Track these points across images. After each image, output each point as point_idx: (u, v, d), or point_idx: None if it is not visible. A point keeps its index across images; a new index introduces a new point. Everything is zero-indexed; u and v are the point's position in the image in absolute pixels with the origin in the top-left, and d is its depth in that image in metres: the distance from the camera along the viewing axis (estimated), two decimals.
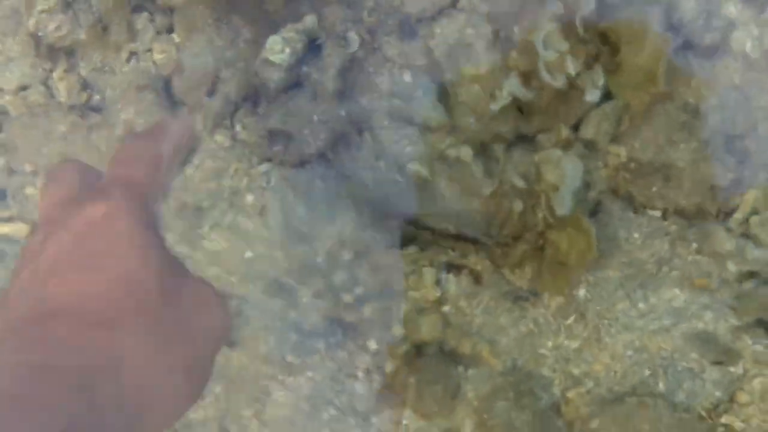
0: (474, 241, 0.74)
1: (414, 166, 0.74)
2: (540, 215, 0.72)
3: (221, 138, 0.78)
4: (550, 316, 0.75)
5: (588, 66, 0.71)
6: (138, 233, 0.41)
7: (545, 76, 0.71)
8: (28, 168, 0.80)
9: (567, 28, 0.71)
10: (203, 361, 0.42)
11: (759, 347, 0.74)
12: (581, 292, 0.75)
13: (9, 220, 0.81)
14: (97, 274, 0.41)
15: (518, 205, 0.72)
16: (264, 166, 0.77)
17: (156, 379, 0.40)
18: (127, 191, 0.44)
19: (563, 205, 0.72)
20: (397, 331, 0.76)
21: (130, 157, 0.48)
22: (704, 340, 0.74)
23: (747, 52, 0.71)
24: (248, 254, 0.77)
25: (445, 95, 0.74)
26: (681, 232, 0.74)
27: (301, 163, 0.76)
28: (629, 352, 0.75)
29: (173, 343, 0.41)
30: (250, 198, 0.77)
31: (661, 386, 0.74)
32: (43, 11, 0.76)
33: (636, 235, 0.74)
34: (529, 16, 0.72)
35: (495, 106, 0.72)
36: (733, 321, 0.74)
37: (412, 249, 0.76)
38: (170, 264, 0.42)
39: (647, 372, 0.75)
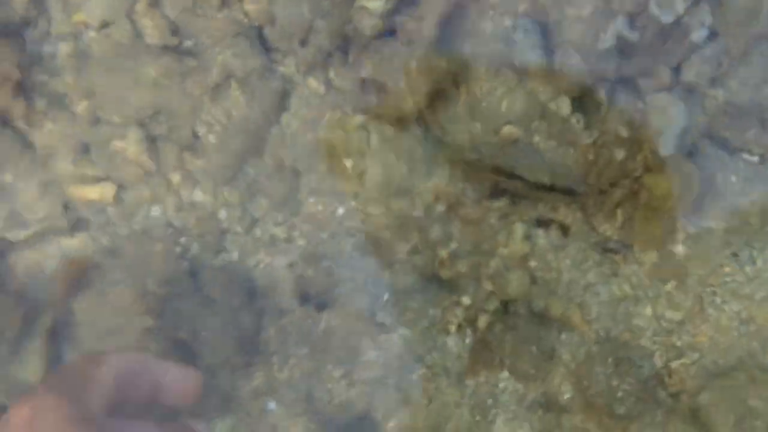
0: (567, 192, 0.72)
1: (508, 129, 0.73)
2: (639, 159, 0.71)
3: (315, 84, 0.76)
4: (644, 275, 0.74)
5: (695, 3, 0.71)
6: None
7: (655, 11, 0.70)
8: (115, 119, 0.77)
9: None
10: None
11: None
12: (679, 247, 0.73)
13: (95, 181, 0.77)
14: None
15: (620, 153, 0.71)
16: (359, 118, 0.75)
17: None
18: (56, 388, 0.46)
19: (667, 148, 0.71)
20: (488, 287, 0.74)
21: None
22: None
23: None
24: (341, 211, 0.76)
25: (547, 40, 0.73)
26: None
27: (398, 120, 0.75)
28: (735, 323, 0.73)
29: None
30: (348, 162, 0.75)
31: None
32: None
33: (734, 180, 0.73)
34: None
35: (600, 46, 0.71)
36: None
37: (503, 202, 0.74)
38: None
39: (756, 345, 0.73)
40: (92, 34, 0.76)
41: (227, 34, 0.75)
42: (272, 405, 0.77)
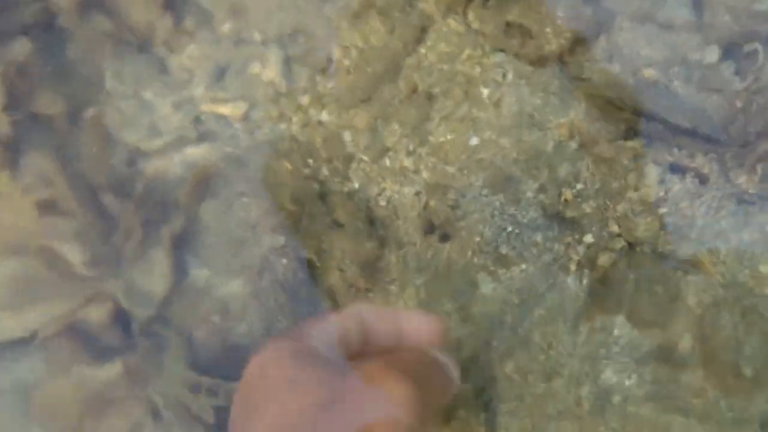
0: (707, 139, 0.72)
1: (648, 71, 0.73)
2: None
3: (454, 23, 0.77)
4: None
5: None
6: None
7: None
8: (257, 36, 0.78)
9: None
10: None
11: None
12: None
13: (227, 101, 0.80)
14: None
15: None
16: (498, 56, 0.76)
17: None
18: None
19: None
20: (614, 228, 0.74)
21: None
22: None
23: None
24: (474, 141, 0.76)
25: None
26: None
27: (537, 61, 0.75)
28: None
29: None
30: (485, 91, 0.76)
31: None
32: None
33: None
34: None
35: (757, 7, 0.71)
36: None
37: (638, 143, 0.74)
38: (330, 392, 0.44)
39: None
40: None
41: None
42: None
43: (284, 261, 0.75)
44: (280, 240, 0.76)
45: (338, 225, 0.76)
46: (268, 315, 0.75)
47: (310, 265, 0.76)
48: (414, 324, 0.52)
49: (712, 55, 0.71)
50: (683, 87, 0.72)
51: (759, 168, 0.72)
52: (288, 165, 0.77)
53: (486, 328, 0.75)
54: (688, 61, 0.72)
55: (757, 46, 0.71)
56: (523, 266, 0.74)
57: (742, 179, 0.72)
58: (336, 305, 0.76)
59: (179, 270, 0.77)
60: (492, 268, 0.75)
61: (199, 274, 0.77)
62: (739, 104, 0.70)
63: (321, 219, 0.76)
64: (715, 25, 0.71)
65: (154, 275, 0.76)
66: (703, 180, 0.73)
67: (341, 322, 0.50)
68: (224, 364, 0.75)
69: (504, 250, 0.75)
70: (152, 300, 0.76)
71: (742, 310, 0.71)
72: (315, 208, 0.76)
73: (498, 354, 0.74)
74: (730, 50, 0.72)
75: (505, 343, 0.74)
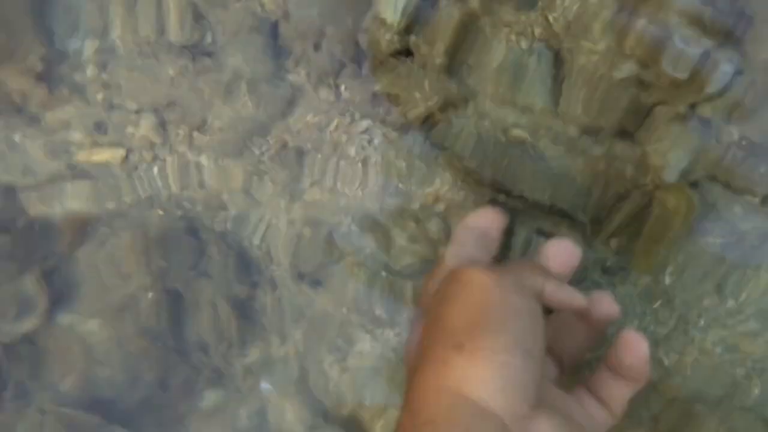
0: (566, 216, 0.73)
1: (517, 131, 0.73)
2: (649, 178, 0.72)
3: (324, 94, 0.78)
4: (636, 297, 0.73)
5: (716, 52, 0.70)
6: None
7: (669, 70, 0.70)
8: (130, 105, 0.80)
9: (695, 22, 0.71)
10: None
11: None
12: (667, 275, 0.73)
13: (104, 146, 0.81)
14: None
15: (630, 168, 0.72)
16: (365, 123, 0.77)
17: None
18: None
19: (672, 174, 0.71)
20: None
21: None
22: None
23: None
24: (341, 202, 0.78)
25: (557, 66, 0.74)
26: None
27: (404, 128, 0.76)
28: (719, 350, 0.72)
29: None
30: (352, 150, 0.77)
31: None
32: None
33: (732, 214, 0.72)
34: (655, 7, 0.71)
35: (616, 75, 0.72)
36: None
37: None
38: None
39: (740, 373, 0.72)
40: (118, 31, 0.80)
41: (244, 29, 0.77)
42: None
43: (151, 307, 0.77)
44: (149, 284, 0.76)
45: (209, 270, 0.77)
46: (132, 362, 0.78)
47: (178, 305, 0.78)
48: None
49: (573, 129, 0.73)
50: (551, 148, 0.73)
51: (617, 239, 0.73)
52: (160, 211, 0.79)
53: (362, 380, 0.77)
54: (554, 126, 0.73)
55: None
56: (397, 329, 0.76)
57: (603, 248, 0.73)
58: (205, 349, 0.78)
59: (55, 307, 0.79)
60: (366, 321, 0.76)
61: (65, 315, 0.81)
62: (601, 167, 0.72)
63: (190, 259, 0.77)
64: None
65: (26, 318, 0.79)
66: None
67: None
68: (88, 403, 0.79)
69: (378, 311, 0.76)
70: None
71: None
72: (185, 248, 0.77)
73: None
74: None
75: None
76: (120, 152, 0.80)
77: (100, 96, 0.80)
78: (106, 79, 0.80)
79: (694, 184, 0.72)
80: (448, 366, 0.48)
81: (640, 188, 0.73)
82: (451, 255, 0.65)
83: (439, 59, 0.73)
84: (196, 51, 0.79)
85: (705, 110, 0.72)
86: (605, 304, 0.60)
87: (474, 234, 0.66)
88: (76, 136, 0.80)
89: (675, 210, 0.72)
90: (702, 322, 0.73)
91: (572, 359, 0.64)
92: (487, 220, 0.68)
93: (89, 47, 0.80)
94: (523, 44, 0.73)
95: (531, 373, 0.49)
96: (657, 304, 0.74)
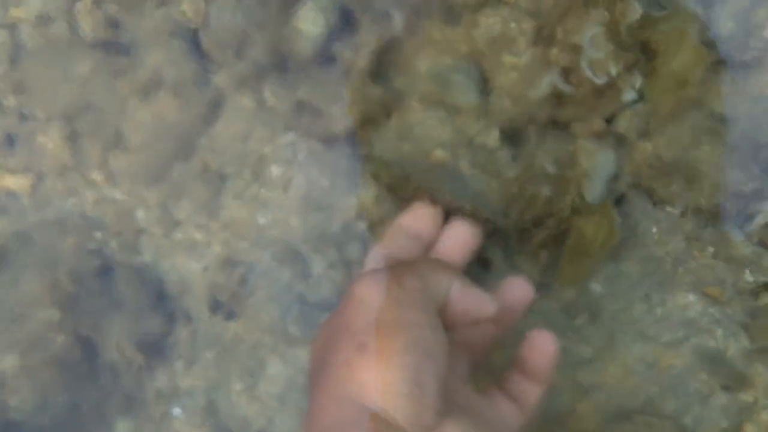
0: (488, 223, 0.72)
1: (438, 152, 0.73)
2: (568, 200, 0.72)
3: (247, 101, 0.76)
4: (559, 311, 0.73)
5: (627, 68, 0.72)
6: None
7: (588, 73, 0.72)
8: (41, 114, 0.76)
9: (610, 32, 0.73)
10: None
11: None
12: (596, 286, 0.73)
13: (14, 171, 0.77)
14: None
15: (546, 190, 0.72)
16: (289, 136, 0.75)
17: None
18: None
19: (594, 192, 0.72)
20: None
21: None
22: (714, 361, 0.72)
23: None
24: (262, 220, 0.75)
25: (482, 82, 0.74)
26: (697, 233, 0.73)
27: (327, 140, 0.75)
28: (640, 366, 0.73)
29: None
30: (275, 169, 0.75)
31: (670, 406, 0.72)
32: None
33: (654, 230, 0.73)
34: (575, 19, 0.73)
35: (533, 93, 0.72)
36: (746, 343, 0.72)
37: None
38: None
39: (657, 389, 0.72)
40: (27, 28, 0.76)
41: (164, 33, 0.75)
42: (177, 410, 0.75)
43: (60, 338, 0.73)
44: (57, 316, 0.73)
45: (120, 301, 0.74)
46: (42, 391, 0.72)
47: (87, 342, 0.73)
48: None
49: (493, 139, 0.72)
50: (469, 169, 0.72)
51: (542, 255, 0.73)
52: (72, 240, 0.75)
53: (274, 407, 0.74)
54: (473, 143, 0.73)
55: (533, 133, 0.73)
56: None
57: (525, 266, 0.73)
58: (117, 379, 0.73)
59: None
60: (279, 349, 0.73)
61: None
62: (515, 190, 0.71)
63: (101, 295, 0.74)
64: (498, 109, 0.72)
65: None
66: (485, 264, 0.73)
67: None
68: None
69: (292, 329, 0.74)
70: None
71: None
72: (95, 285, 0.74)
73: None
74: (510, 137, 0.73)
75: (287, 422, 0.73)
76: (30, 179, 0.77)
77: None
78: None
79: (617, 202, 0.74)
80: (351, 368, 0.45)
81: (556, 214, 0.73)
82: (371, 256, 0.63)
83: (363, 63, 0.73)
84: (112, 49, 0.76)
85: (620, 126, 0.73)
86: (518, 288, 0.59)
87: (404, 235, 0.64)
88: None
89: (592, 239, 0.72)
90: (628, 337, 0.73)
91: (483, 353, 0.62)
92: (421, 221, 0.66)
93: None
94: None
95: (434, 375, 0.46)
96: (581, 320, 0.74)
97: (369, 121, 0.74)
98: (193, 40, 0.76)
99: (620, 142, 0.75)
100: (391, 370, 0.44)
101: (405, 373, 0.45)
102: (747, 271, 0.73)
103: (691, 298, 0.73)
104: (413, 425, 0.44)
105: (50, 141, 0.75)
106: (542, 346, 0.58)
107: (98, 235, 0.76)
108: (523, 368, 0.58)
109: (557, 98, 0.73)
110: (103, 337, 0.74)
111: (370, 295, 0.49)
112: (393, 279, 0.50)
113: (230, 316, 0.75)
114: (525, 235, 0.72)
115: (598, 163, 0.73)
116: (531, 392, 0.58)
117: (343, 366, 0.46)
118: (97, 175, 0.76)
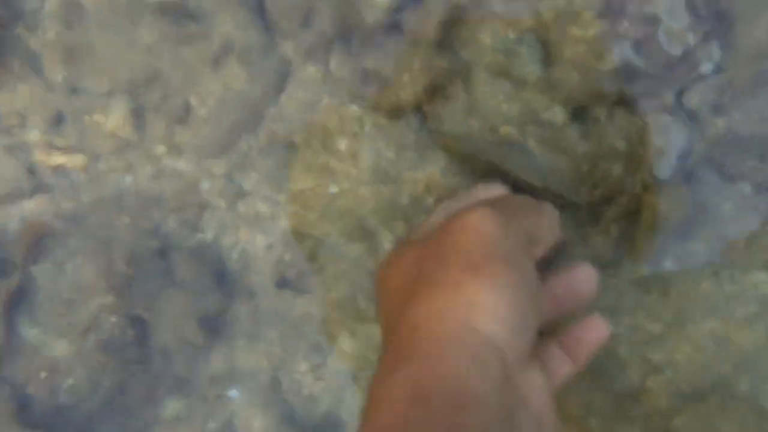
0: (560, 198, 0.71)
1: (506, 129, 0.72)
2: (639, 177, 0.70)
3: (314, 70, 0.75)
4: (631, 287, 0.72)
5: (705, 39, 0.71)
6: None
7: (665, 45, 0.70)
8: (97, 87, 0.74)
9: (687, 2, 0.71)
10: None
11: None
12: (666, 262, 0.72)
13: (66, 150, 0.75)
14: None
15: (617, 168, 0.70)
16: (356, 107, 0.74)
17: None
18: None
19: (665, 169, 0.71)
20: None
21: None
22: None
23: None
24: (333, 189, 0.74)
25: (548, 55, 0.73)
26: None
27: (395, 112, 0.74)
28: (711, 344, 0.71)
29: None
30: (342, 142, 0.74)
31: (744, 386, 0.71)
32: None
33: (726, 207, 0.72)
34: None
35: (602, 66, 0.71)
36: None
37: None
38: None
39: (729, 368, 0.71)
40: None
41: (231, 1, 0.74)
42: (234, 392, 0.75)
43: (113, 320, 0.72)
44: (111, 299, 0.72)
45: (178, 281, 0.74)
46: (93, 374, 0.73)
47: (141, 324, 0.73)
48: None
49: (559, 115, 0.71)
50: (538, 146, 0.71)
51: (613, 229, 0.72)
52: (127, 220, 0.74)
53: (343, 386, 0.73)
54: (540, 119, 0.72)
55: (603, 109, 0.71)
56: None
57: (597, 239, 0.72)
58: (169, 361, 0.73)
59: (10, 328, 0.74)
60: (349, 325, 0.73)
61: (29, 333, 0.73)
62: (585, 168, 0.70)
63: (157, 276, 0.73)
64: (564, 82, 0.71)
65: None
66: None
67: None
68: (51, 422, 0.73)
69: (363, 305, 0.73)
70: None
71: (594, 374, 0.70)
72: (151, 266, 0.74)
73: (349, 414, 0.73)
74: (579, 112, 0.72)
75: (358, 402, 0.73)
76: (84, 156, 0.74)
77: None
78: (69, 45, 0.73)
79: (688, 178, 0.72)
80: (460, 288, 0.44)
81: (628, 191, 0.72)
82: (443, 206, 0.62)
83: (430, 33, 0.72)
84: (180, 13, 0.74)
85: (692, 101, 0.72)
86: (585, 277, 0.59)
87: (475, 200, 0.63)
88: (34, 132, 0.74)
89: (664, 216, 0.72)
90: (698, 314, 0.72)
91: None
92: (494, 195, 0.64)
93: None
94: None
95: (535, 319, 0.47)
96: (652, 296, 0.72)
97: (436, 91, 0.73)
98: (259, 10, 0.75)
99: (692, 117, 0.73)
100: (506, 299, 0.44)
101: (517, 307, 0.45)
102: None
103: (764, 276, 0.71)
104: (512, 354, 0.45)
105: (109, 119, 0.74)
106: (596, 333, 0.57)
107: (156, 214, 0.75)
108: (567, 345, 0.57)
109: (627, 72, 0.72)
110: (158, 318, 0.74)
111: (486, 225, 0.48)
112: (510, 221, 0.51)
113: (298, 292, 0.74)
114: (596, 210, 0.72)
115: (669, 140, 0.72)
116: (562, 369, 0.57)
117: (451, 284, 0.45)
118: (160, 150, 0.75)
